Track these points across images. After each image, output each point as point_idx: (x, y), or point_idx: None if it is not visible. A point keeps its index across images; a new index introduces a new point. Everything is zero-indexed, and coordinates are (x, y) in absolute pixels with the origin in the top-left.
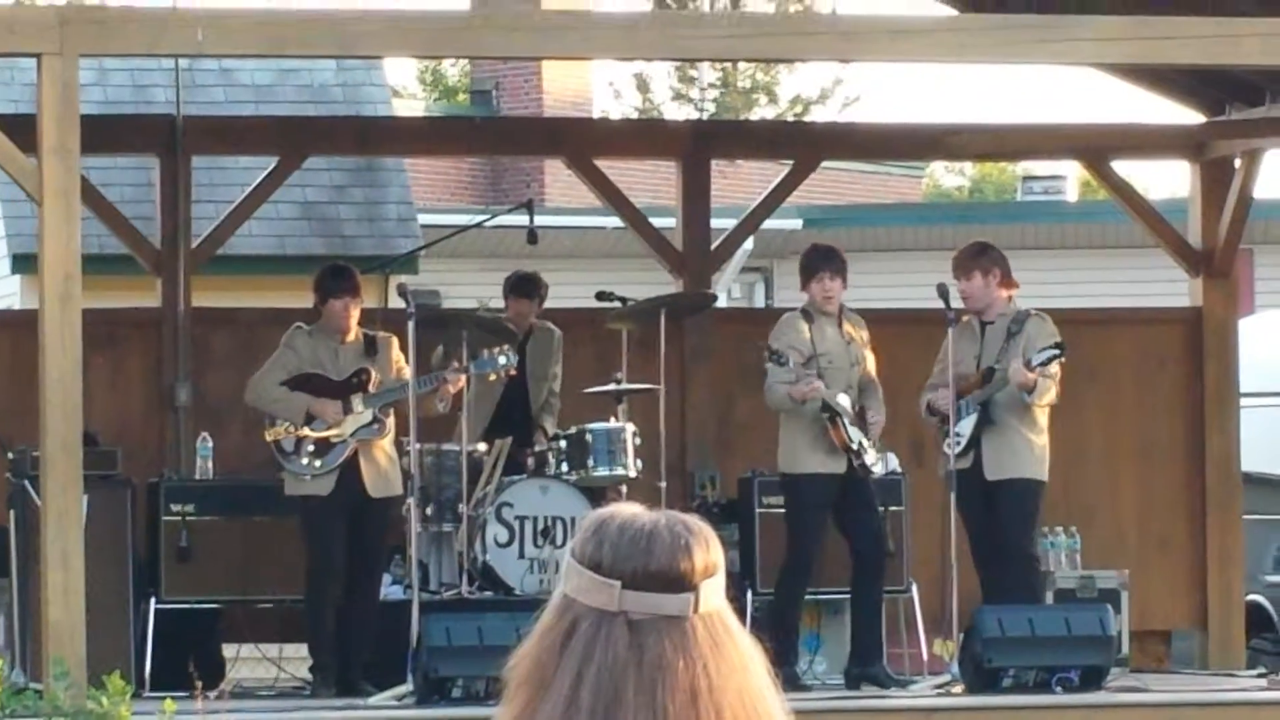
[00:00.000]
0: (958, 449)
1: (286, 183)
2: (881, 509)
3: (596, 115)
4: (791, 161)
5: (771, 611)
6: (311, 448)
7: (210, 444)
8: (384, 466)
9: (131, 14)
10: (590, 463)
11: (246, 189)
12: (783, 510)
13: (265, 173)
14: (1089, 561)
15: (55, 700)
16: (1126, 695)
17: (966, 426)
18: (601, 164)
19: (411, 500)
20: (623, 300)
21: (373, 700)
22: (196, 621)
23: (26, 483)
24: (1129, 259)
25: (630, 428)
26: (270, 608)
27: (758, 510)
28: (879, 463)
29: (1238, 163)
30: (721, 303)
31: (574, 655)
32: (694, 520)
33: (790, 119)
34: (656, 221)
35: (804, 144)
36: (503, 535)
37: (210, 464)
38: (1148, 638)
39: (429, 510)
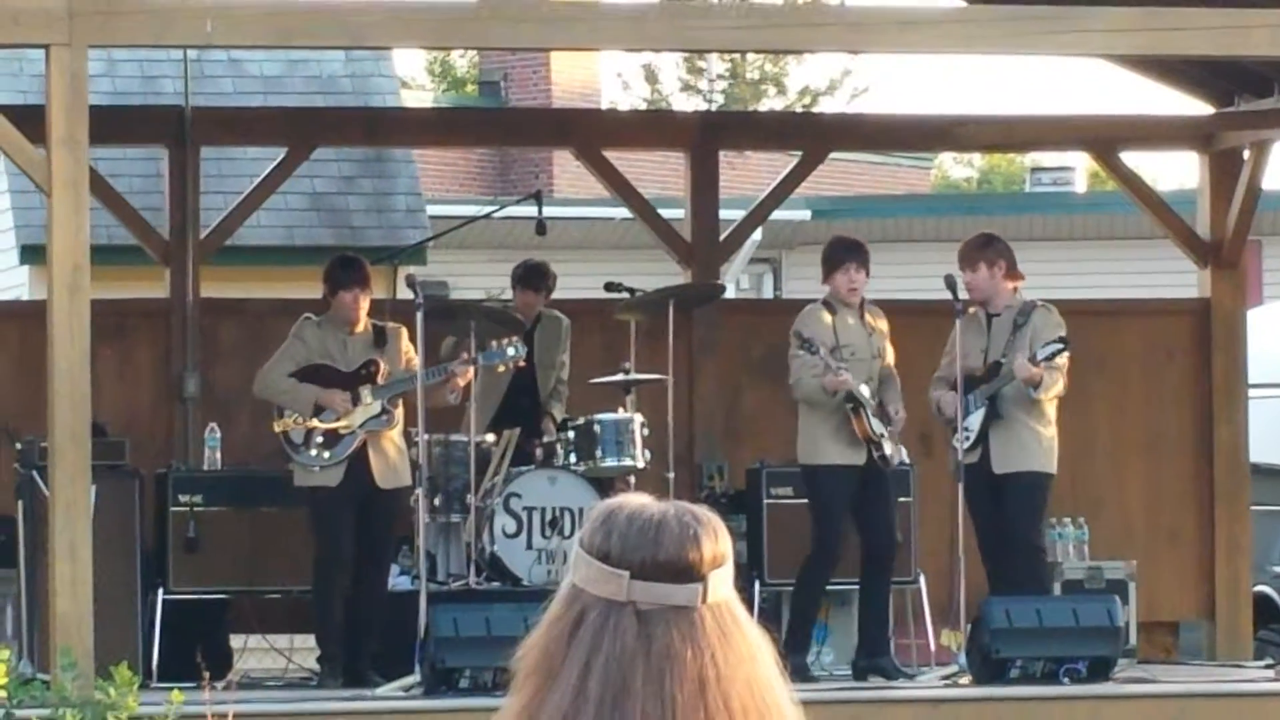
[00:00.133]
0: (966, 444)
1: (295, 173)
2: None
3: (605, 106)
4: (800, 152)
5: (792, 599)
6: (320, 439)
7: (218, 435)
8: (393, 458)
9: (140, 5)
10: (598, 453)
11: (255, 180)
12: (796, 501)
13: (274, 163)
14: (1096, 552)
15: (63, 691)
16: (1134, 686)
17: (975, 421)
18: (610, 155)
19: (419, 491)
20: (631, 291)
21: (380, 691)
22: (204, 612)
23: (35, 473)
24: (1137, 250)
25: (638, 418)
26: (278, 598)
27: (765, 501)
28: (897, 455)
29: (1246, 154)
30: (730, 294)
31: (582, 645)
32: (702, 510)
33: (799, 110)
34: (665, 212)
35: (812, 135)
36: (511, 526)
37: (218, 455)
38: (1155, 629)
39: (437, 501)
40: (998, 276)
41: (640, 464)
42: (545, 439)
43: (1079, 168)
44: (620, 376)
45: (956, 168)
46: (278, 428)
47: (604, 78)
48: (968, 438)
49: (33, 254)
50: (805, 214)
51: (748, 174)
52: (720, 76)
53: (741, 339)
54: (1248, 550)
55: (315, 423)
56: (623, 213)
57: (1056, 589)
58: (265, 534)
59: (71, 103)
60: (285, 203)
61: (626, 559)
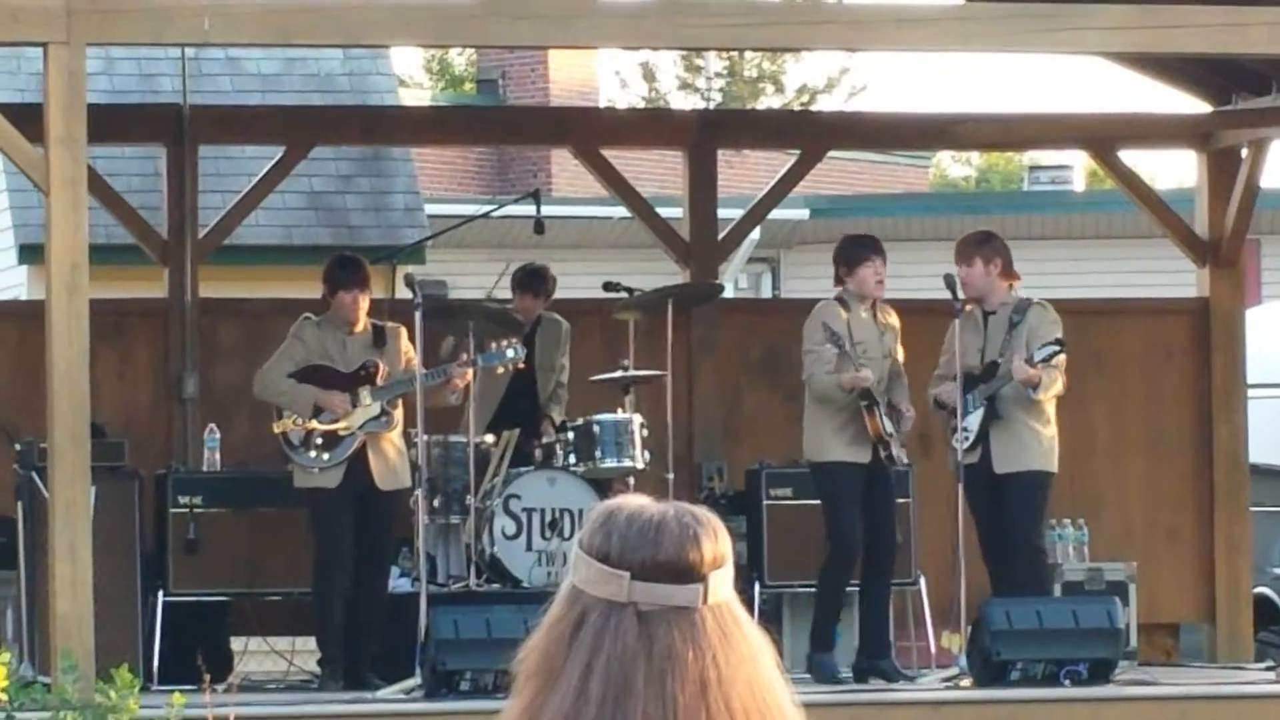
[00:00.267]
0: (966, 444)
1: (293, 172)
2: None
3: (603, 105)
4: (798, 151)
5: (814, 599)
6: (319, 440)
7: (218, 435)
8: (392, 459)
9: (138, 3)
10: (598, 454)
11: (253, 179)
12: (796, 502)
13: (272, 162)
14: (1096, 554)
15: (63, 693)
16: (1134, 688)
17: (974, 421)
18: (608, 154)
19: (419, 492)
20: (629, 290)
21: (381, 693)
22: (204, 614)
23: (34, 474)
24: (1136, 249)
25: (637, 419)
26: (278, 600)
27: (765, 502)
28: (901, 455)
29: (1244, 152)
30: (728, 293)
31: (583, 646)
32: (702, 511)
33: (797, 108)
34: (663, 211)
35: (811, 133)
36: (510, 527)
37: (218, 455)
38: (1155, 630)
39: (436, 502)
40: (993, 274)
41: (640, 465)
42: (544, 440)
43: (1077, 166)
44: (619, 373)
45: (955, 166)
46: (277, 429)
47: (602, 76)
48: (967, 438)
49: (31, 253)
50: (804, 213)
51: (746, 173)
52: (718, 75)
53: (740, 338)
54: (1247, 551)
55: (314, 424)
56: (621, 212)
57: (1057, 590)
58: (265, 535)
59: (69, 101)
60: (283, 202)
61: (627, 560)
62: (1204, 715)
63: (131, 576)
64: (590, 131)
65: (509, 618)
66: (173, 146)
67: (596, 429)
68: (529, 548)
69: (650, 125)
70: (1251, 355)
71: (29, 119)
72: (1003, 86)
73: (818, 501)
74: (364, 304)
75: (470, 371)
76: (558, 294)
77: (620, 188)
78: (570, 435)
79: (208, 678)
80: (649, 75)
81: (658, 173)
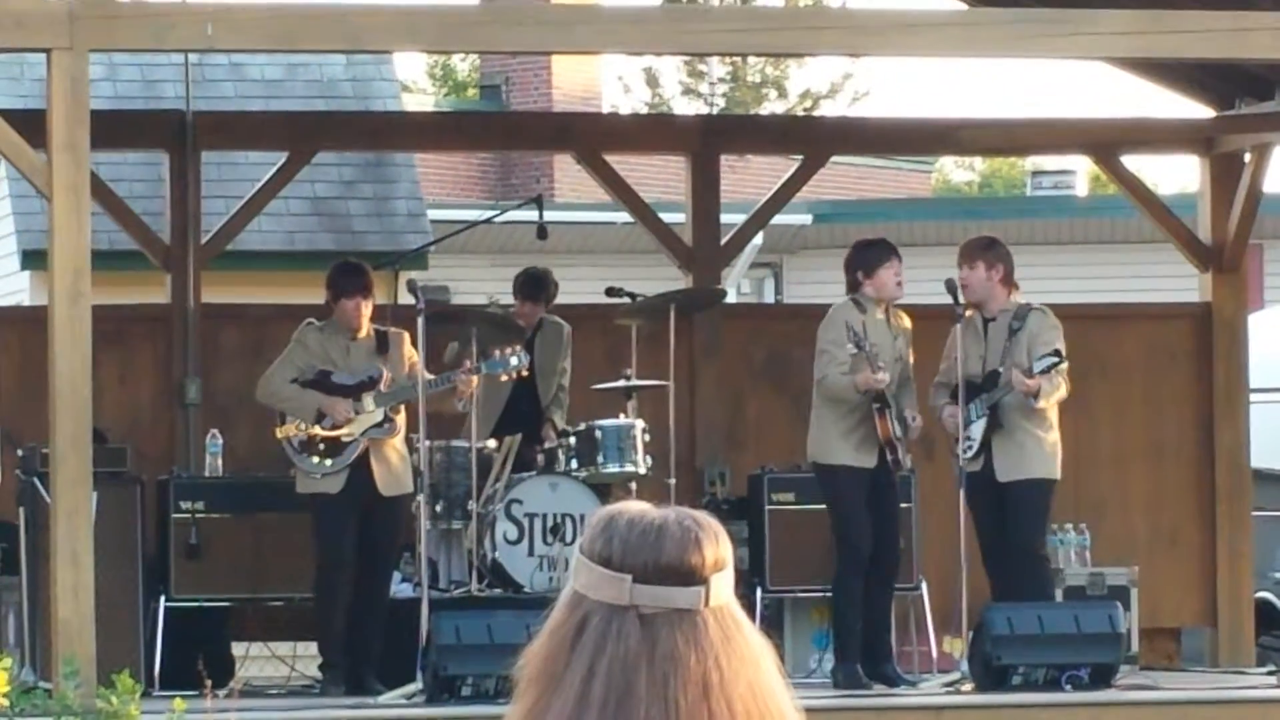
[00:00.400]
0: (969, 453)
1: (296, 178)
2: None
3: (606, 110)
4: (801, 156)
5: (832, 609)
6: (322, 446)
7: (220, 441)
8: (395, 465)
9: (141, 9)
10: (600, 459)
11: (256, 184)
12: (798, 508)
13: (275, 168)
14: (1098, 558)
15: (65, 699)
16: (1136, 693)
17: (976, 430)
18: (611, 159)
19: (421, 498)
20: (632, 296)
21: (382, 699)
22: (206, 619)
23: (36, 480)
24: (1138, 254)
25: (640, 424)
26: (280, 606)
27: (768, 507)
28: (906, 460)
29: (1248, 157)
30: (731, 298)
31: (585, 650)
32: (702, 515)
33: (800, 114)
34: (666, 217)
35: (813, 139)
36: (512, 532)
37: (220, 461)
38: (1157, 635)
39: (438, 507)
40: (994, 280)
41: (642, 470)
42: (546, 445)
43: (1080, 171)
44: (621, 382)
45: (957, 171)
46: (280, 434)
47: (605, 81)
48: (970, 447)
49: (34, 259)
50: (806, 218)
51: (749, 178)
52: (721, 80)
53: (743, 344)
54: (1249, 556)
55: (317, 430)
56: (624, 217)
57: (1058, 595)
58: (267, 541)
59: (73, 107)
60: (286, 207)
61: (629, 563)
62: None
63: (133, 582)
64: (593, 137)
65: (511, 623)
66: (175, 152)
67: (598, 434)
68: (531, 553)
69: (653, 130)
70: (1254, 360)
71: (32, 125)
72: (1005, 91)
73: (820, 506)
74: (366, 311)
75: (475, 378)
76: (560, 299)
77: (623, 193)
78: (572, 440)
79: (209, 683)
80: (652, 81)
81: (661, 178)
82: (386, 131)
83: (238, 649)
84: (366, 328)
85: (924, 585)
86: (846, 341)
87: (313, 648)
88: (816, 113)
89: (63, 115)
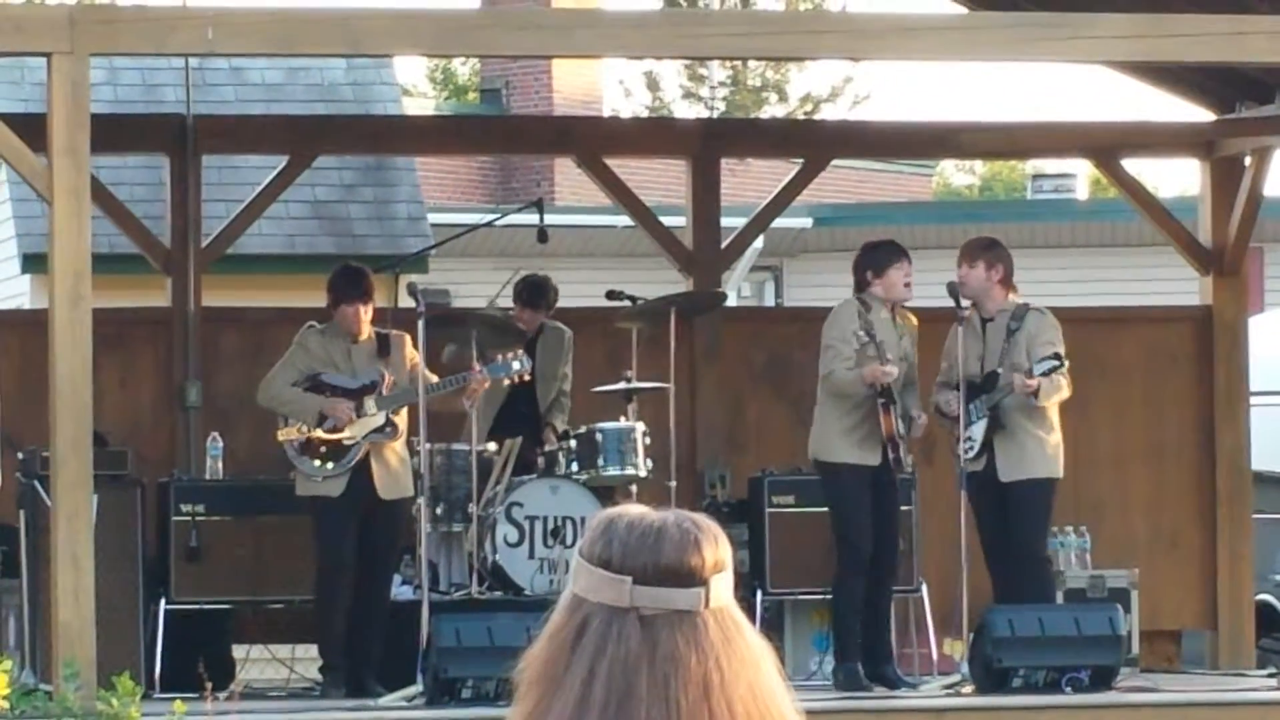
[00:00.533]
0: (970, 454)
1: (296, 182)
2: None
3: (606, 114)
4: (801, 160)
5: (834, 612)
6: (323, 449)
7: (220, 443)
8: (395, 468)
9: (141, 13)
10: (600, 462)
11: (256, 188)
12: (799, 510)
13: (275, 172)
14: (1099, 561)
15: (65, 701)
16: (1136, 695)
17: (978, 431)
18: (611, 162)
19: (421, 500)
20: (632, 299)
21: (383, 701)
22: (206, 622)
23: (36, 483)
24: (1139, 257)
25: (640, 427)
26: (280, 608)
27: (768, 510)
28: (908, 460)
29: (1248, 160)
30: (731, 301)
31: (585, 652)
32: (701, 517)
33: (800, 117)
34: (666, 220)
35: (814, 142)
36: (513, 535)
37: (220, 464)
38: (1157, 637)
39: (439, 510)
40: (993, 280)
41: (642, 473)
42: (547, 448)
43: (1080, 175)
44: (622, 385)
45: (958, 175)
46: (281, 437)
47: (606, 85)
48: (971, 448)
49: (34, 263)
50: (807, 221)
51: (749, 181)
52: (722, 84)
53: (743, 347)
54: (1249, 558)
55: (318, 433)
56: (624, 220)
57: (1059, 597)
58: (268, 543)
59: (73, 111)
60: (287, 211)
61: (628, 565)
62: None
63: (133, 584)
64: (594, 140)
65: (511, 625)
66: (176, 156)
67: (599, 437)
68: (531, 555)
69: (654, 134)
70: (1254, 363)
71: (33, 129)
72: (1006, 95)
73: (821, 509)
74: (366, 316)
75: (487, 379)
76: (561, 303)
77: (624, 197)
78: (573, 443)
79: (209, 685)
80: (653, 84)
81: (661, 182)
82: (387, 135)
83: (238, 651)
84: (368, 331)
85: (924, 587)
86: (852, 336)
87: (313, 650)
88: (817, 116)
89: (63, 119)
